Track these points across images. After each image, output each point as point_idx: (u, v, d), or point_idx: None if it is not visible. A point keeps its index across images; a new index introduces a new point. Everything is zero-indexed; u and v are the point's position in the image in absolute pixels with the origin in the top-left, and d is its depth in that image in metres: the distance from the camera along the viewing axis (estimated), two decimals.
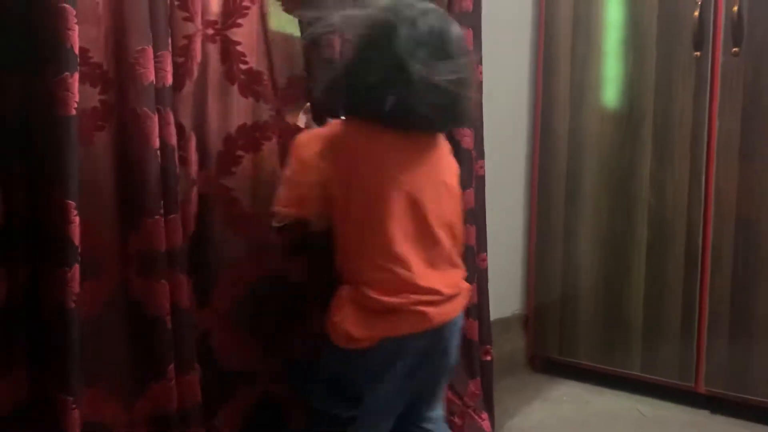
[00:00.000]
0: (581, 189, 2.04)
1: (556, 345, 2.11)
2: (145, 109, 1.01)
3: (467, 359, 1.55)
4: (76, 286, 0.91)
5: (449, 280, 1.14)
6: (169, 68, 1.06)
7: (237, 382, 1.23)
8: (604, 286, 2.03)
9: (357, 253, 1.12)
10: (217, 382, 1.19)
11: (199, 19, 1.14)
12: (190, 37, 1.13)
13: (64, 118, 0.89)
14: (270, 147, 1.24)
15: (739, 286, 1.81)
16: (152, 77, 1.02)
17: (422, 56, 1.05)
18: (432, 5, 1.16)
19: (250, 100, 1.21)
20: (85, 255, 0.94)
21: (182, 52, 1.12)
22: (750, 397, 1.80)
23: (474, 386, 1.59)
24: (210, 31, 1.16)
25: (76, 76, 0.90)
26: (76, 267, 0.91)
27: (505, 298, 2.09)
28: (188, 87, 1.13)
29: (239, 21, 1.18)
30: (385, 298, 1.07)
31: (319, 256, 1.23)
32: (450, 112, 1.12)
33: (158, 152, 1.03)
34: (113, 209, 1.04)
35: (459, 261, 1.18)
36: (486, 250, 1.61)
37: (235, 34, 1.18)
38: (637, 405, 1.92)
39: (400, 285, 1.08)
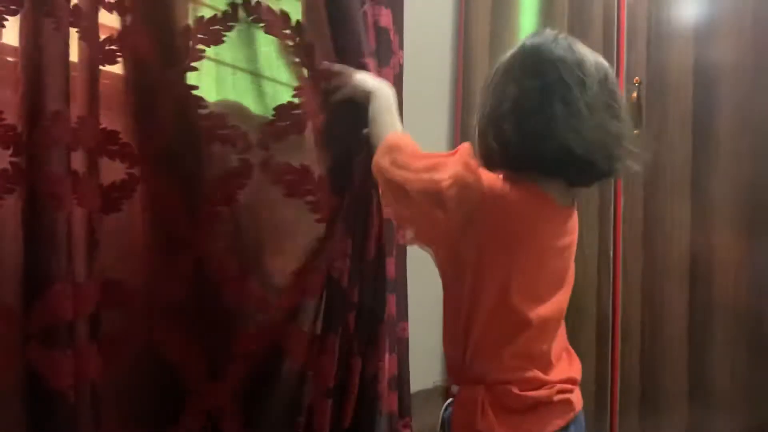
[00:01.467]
0: None
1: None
2: (59, 172, 0.98)
3: None
4: None
5: (576, 366, 1.10)
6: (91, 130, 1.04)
7: None
8: None
9: (493, 349, 1.02)
10: None
11: None
12: None
13: None
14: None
15: (648, 360, 1.88)
16: (68, 140, 1.00)
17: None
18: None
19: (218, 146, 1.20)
20: None
21: None
22: None
23: None
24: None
25: None
26: None
27: (427, 369, 2.08)
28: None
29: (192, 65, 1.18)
30: (530, 393, 1.00)
31: None
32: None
33: (70, 216, 1.00)
34: (16, 276, 0.99)
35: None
36: (407, 320, 1.61)
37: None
38: None
39: (541, 381, 1.02)
